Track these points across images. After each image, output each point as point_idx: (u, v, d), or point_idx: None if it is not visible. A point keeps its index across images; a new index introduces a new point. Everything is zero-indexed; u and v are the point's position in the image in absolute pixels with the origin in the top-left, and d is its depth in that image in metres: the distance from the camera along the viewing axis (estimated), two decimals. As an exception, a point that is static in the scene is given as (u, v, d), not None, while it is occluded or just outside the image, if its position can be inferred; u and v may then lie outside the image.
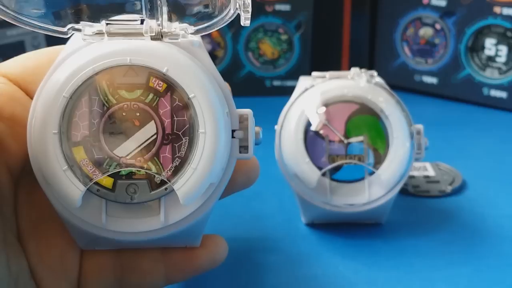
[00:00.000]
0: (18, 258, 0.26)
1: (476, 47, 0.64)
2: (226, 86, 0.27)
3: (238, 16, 0.26)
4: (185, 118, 0.26)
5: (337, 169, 0.38)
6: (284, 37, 0.67)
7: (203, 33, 0.27)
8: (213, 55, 0.67)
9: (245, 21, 0.26)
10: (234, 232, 0.40)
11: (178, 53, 0.26)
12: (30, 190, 0.27)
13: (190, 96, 0.25)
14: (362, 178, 0.38)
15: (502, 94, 0.63)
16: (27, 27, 0.26)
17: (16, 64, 0.28)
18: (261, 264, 0.37)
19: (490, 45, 0.63)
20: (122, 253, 0.29)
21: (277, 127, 0.40)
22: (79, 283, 0.29)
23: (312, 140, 0.38)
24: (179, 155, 0.26)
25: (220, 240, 0.31)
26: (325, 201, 0.38)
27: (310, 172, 0.37)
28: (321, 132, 0.38)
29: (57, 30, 0.27)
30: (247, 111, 0.27)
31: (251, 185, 0.31)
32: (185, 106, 0.26)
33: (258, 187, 0.45)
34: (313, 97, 0.39)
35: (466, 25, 0.64)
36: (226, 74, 0.65)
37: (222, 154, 0.26)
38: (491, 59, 0.64)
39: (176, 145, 0.26)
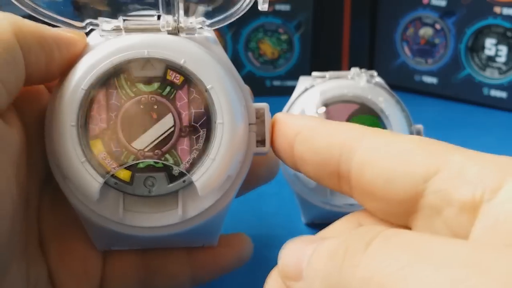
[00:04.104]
0: (38, 265, 0.26)
1: (476, 47, 0.64)
2: (243, 81, 0.27)
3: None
4: (203, 110, 0.26)
5: (337, 169, 0.38)
6: (284, 37, 0.67)
7: (221, 25, 0.27)
8: (213, 55, 0.67)
9: (263, 4, 0.26)
10: (234, 231, 0.40)
11: (194, 46, 0.26)
12: (54, 193, 0.27)
13: (207, 88, 0.25)
14: (362, 178, 0.38)
15: (502, 94, 0.63)
16: (46, 19, 0.26)
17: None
18: (261, 263, 0.37)
19: (490, 45, 0.63)
20: (146, 255, 0.29)
21: (277, 127, 0.40)
22: (102, 287, 0.28)
23: (312, 140, 0.38)
24: (196, 147, 0.26)
25: (245, 237, 0.31)
26: (325, 201, 0.38)
27: (310, 172, 0.37)
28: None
29: (76, 25, 0.27)
30: (264, 105, 0.27)
31: (273, 178, 0.31)
32: (203, 98, 0.26)
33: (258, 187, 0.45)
34: (313, 97, 0.39)
35: (466, 25, 0.64)
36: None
37: (239, 145, 0.26)
38: (491, 59, 0.64)
39: (194, 137, 0.26)
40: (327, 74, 0.40)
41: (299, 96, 0.40)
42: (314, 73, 0.41)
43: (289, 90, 0.42)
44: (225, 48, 0.67)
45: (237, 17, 0.27)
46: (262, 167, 0.29)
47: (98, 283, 0.28)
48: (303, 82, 0.41)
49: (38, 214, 0.27)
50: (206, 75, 0.25)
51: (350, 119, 0.38)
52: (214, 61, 0.26)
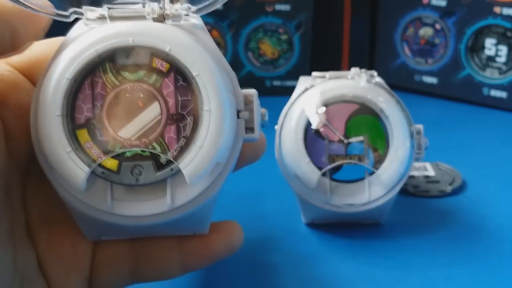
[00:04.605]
0: (26, 252, 0.26)
1: (476, 47, 0.64)
2: (230, 68, 0.27)
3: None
4: (189, 97, 0.25)
5: (337, 169, 0.38)
6: (284, 37, 0.67)
7: (208, 11, 0.27)
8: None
9: None
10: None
11: (180, 33, 0.26)
12: (39, 180, 0.27)
13: (194, 75, 0.25)
14: (362, 178, 0.38)
15: (502, 94, 0.63)
16: (29, 9, 0.26)
17: (21, 52, 0.28)
18: (261, 264, 0.37)
19: (490, 45, 0.63)
20: (135, 242, 0.29)
21: (277, 127, 0.40)
22: (91, 275, 0.28)
23: (312, 140, 0.38)
24: (184, 135, 0.25)
25: (236, 225, 0.30)
26: (325, 201, 0.38)
27: (310, 172, 0.37)
28: (321, 131, 0.38)
29: (60, 14, 0.26)
30: (252, 92, 0.27)
31: (257, 160, 0.31)
32: (189, 85, 0.25)
33: (258, 187, 0.45)
34: (313, 97, 0.39)
35: (466, 25, 0.64)
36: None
37: (227, 132, 0.25)
38: (491, 59, 0.64)
39: (181, 125, 0.25)
40: (327, 74, 0.40)
41: (299, 96, 0.40)
42: (314, 73, 0.41)
43: (289, 90, 0.42)
44: (225, 48, 0.67)
45: (223, 3, 0.27)
46: (246, 148, 0.29)
47: (88, 271, 0.28)
48: (303, 82, 0.41)
49: (24, 200, 0.27)
50: (193, 62, 0.25)
51: (350, 119, 0.38)
52: (201, 48, 0.26)
